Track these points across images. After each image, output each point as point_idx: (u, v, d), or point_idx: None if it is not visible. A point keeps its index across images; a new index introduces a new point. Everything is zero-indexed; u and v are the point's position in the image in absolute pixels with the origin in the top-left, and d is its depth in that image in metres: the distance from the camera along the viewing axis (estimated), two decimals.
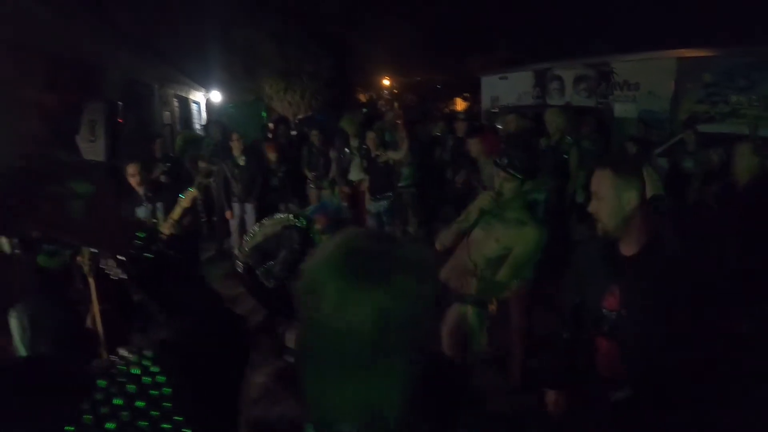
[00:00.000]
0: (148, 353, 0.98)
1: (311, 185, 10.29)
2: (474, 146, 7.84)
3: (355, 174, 9.73)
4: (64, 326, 3.38)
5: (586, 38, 25.98)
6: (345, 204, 9.06)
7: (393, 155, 8.72)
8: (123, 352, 0.99)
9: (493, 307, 4.09)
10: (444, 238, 4.13)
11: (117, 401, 0.90)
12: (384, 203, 8.25)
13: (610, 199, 2.51)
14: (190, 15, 22.47)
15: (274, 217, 4.95)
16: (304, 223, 4.78)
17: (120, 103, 6.17)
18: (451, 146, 10.02)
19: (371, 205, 8.57)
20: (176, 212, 5.39)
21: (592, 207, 2.64)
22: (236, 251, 5.09)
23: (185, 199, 5.46)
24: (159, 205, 5.64)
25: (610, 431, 2.49)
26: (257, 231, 4.89)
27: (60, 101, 8.37)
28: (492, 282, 3.97)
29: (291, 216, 4.86)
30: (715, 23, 20.28)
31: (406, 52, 32.98)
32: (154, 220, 5.48)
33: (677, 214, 7.74)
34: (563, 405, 2.79)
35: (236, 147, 8.75)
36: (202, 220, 8.55)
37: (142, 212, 5.54)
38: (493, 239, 3.94)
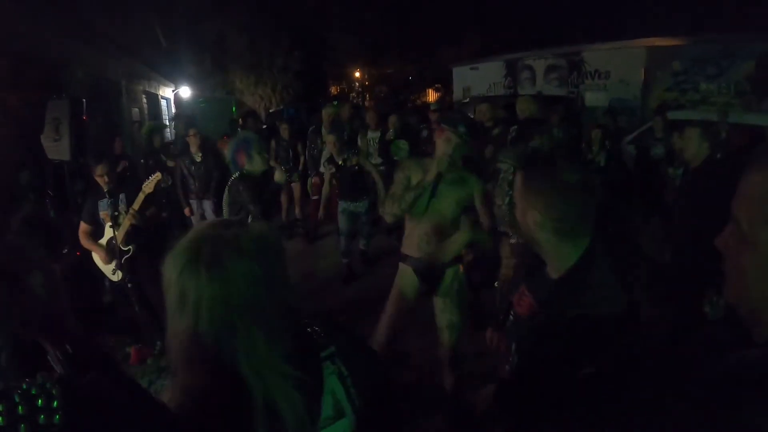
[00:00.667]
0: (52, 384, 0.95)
1: None
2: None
3: (324, 167, 9.65)
4: None
5: (556, 28, 26.07)
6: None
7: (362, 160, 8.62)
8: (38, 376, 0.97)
9: (468, 257, 4.17)
10: (394, 208, 4.00)
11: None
12: (363, 204, 8.07)
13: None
14: (158, 8, 22.18)
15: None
16: (236, 175, 5.05)
17: (84, 100, 6.07)
18: (426, 137, 9.97)
19: (347, 205, 8.24)
20: (139, 200, 5.33)
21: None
22: None
23: (149, 183, 5.38)
24: (122, 197, 5.52)
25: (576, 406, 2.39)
26: (224, 214, 5.18)
27: (22, 100, 8.21)
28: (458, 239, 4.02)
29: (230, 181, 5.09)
30: (684, 12, 20.44)
31: (377, 43, 32.90)
32: (116, 213, 5.37)
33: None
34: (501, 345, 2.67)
35: (193, 143, 8.53)
36: (164, 214, 8.42)
37: (104, 206, 5.40)
38: (453, 200, 4.02)
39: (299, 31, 30.23)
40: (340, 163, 7.71)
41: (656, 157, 8.58)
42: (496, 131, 8.28)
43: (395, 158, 8.96)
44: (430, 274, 4.22)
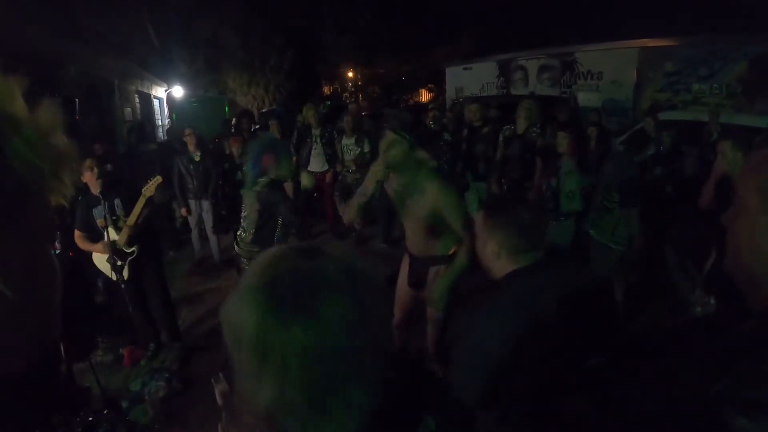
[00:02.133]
0: None
1: None
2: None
3: (317, 164, 9.60)
4: None
5: (549, 29, 26.12)
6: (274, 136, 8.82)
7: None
8: None
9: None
10: (350, 213, 4.15)
11: None
12: None
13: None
14: (150, 8, 22.14)
15: (246, 199, 5.03)
16: (264, 179, 4.80)
17: (77, 99, 6.04)
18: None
19: None
20: (140, 203, 5.31)
21: None
22: (237, 250, 5.10)
23: (149, 186, 5.37)
24: (117, 202, 5.46)
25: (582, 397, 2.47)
26: (246, 221, 4.98)
27: None
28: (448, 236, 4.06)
29: (250, 185, 4.90)
30: (677, 13, 20.51)
31: (370, 43, 32.87)
32: (115, 217, 5.35)
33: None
34: None
35: (191, 142, 8.53)
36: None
37: (99, 213, 5.32)
38: (419, 207, 3.95)
39: (292, 30, 30.19)
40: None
41: (646, 159, 8.61)
42: (485, 130, 8.35)
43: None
44: (418, 269, 4.34)
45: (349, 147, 9.39)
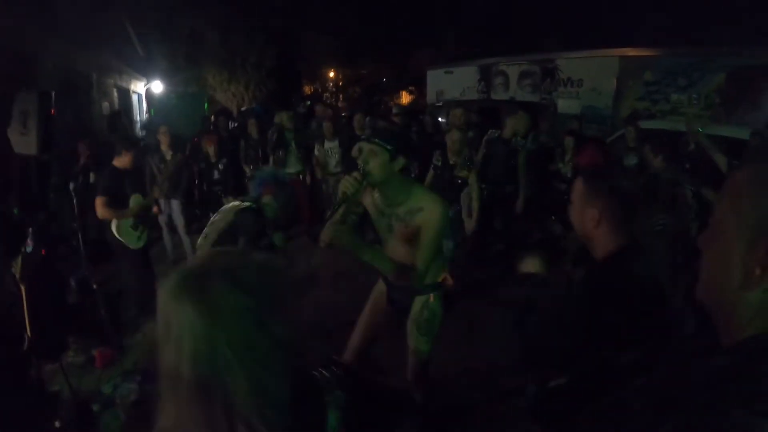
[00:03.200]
0: None
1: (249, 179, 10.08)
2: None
3: (293, 166, 9.55)
4: None
5: (531, 35, 26.29)
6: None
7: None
8: None
9: (449, 282, 3.98)
10: (325, 234, 3.40)
11: None
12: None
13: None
14: (130, 1, 21.92)
15: (225, 207, 4.85)
16: (253, 204, 4.67)
17: (53, 93, 5.95)
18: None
19: None
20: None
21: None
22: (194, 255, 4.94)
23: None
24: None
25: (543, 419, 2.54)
26: (212, 227, 4.78)
27: None
28: (425, 264, 3.54)
29: (240, 201, 4.74)
30: (657, 23, 20.74)
31: (352, 44, 32.85)
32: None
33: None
34: None
35: (163, 140, 8.43)
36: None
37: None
38: (407, 225, 3.48)
39: (273, 29, 30.05)
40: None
41: (629, 167, 8.64)
42: (469, 135, 8.35)
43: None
44: (398, 299, 4.02)
45: (333, 150, 9.35)
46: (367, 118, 10.00)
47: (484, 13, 28.99)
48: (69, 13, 13.87)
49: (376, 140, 3.33)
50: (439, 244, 3.64)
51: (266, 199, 4.65)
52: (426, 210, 3.37)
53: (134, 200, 6.18)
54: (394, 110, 9.90)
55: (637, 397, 1.23)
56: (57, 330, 5.57)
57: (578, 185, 2.55)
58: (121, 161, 6.24)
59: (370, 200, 3.72)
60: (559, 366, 2.48)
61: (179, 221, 8.54)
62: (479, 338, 5.89)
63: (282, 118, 9.77)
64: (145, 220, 6.26)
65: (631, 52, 16.15)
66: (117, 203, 6.06)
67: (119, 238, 6.13)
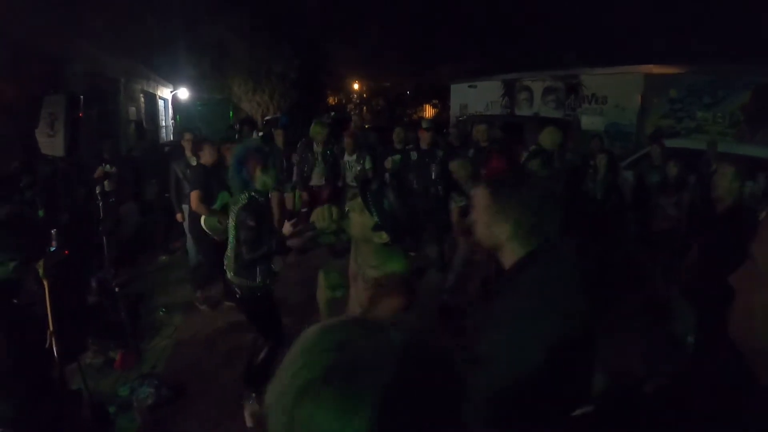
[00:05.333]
0: None
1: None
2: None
3: (316, 178, 9.54)
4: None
5: (556, 51, 26.23)
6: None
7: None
8: None
9: None
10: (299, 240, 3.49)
11: None
12: None
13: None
14: (158, 9, 22.17)
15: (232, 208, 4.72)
16: (242, 195, 4.46)
17: (81, 96, 6.03)
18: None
19: None
20: None
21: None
22: (228, 275, 4.81)
23: None
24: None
25: None
26: (229, 243, 4.71)
27: (20, 94, 8.15)
28: None
29: (234, 201, 4.61)
30: (682, 41, 20.60)
31: (376, 56, 32.95)
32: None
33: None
34: None
35: (187, 147, 8.45)
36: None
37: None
38: (368, 290, 2.95)
39: (299, 40, 30.23)
40: None
41: (653, 184, 8.57)
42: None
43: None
44: None
45: (350, 164, 9.37)
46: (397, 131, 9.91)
47: (508, 27, 28.97)
48: (99, 20, 14.06)
49: (371, 202, 2.77)
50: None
51: (255, 176, 4.48)
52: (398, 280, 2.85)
53: (220, 198, 6.56)
54: (424, 124, 9.77)
55: None
56: (77, 330, 5.61)
57: (482, 197, 2.30)
58: (207, 159, 6.77)
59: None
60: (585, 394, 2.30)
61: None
62: None
63: (314, 131, 9.75)
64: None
65: (656, 69, 16.03)
66: (207, 199, 6.49)
67: (207, 231, 6.47)
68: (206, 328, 6.64)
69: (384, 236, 2.74)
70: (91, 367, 5.46)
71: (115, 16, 16.27)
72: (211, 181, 6.61)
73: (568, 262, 2.21)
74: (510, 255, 2.24)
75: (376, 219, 2.71)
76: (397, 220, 2.73)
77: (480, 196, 2.30)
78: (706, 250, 5.11)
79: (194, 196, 6.49)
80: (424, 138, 9.24)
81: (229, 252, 4.62)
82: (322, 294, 2.99)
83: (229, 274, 4.64)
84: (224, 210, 6.26)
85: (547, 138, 7.48)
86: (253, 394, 2.17)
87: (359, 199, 2.80)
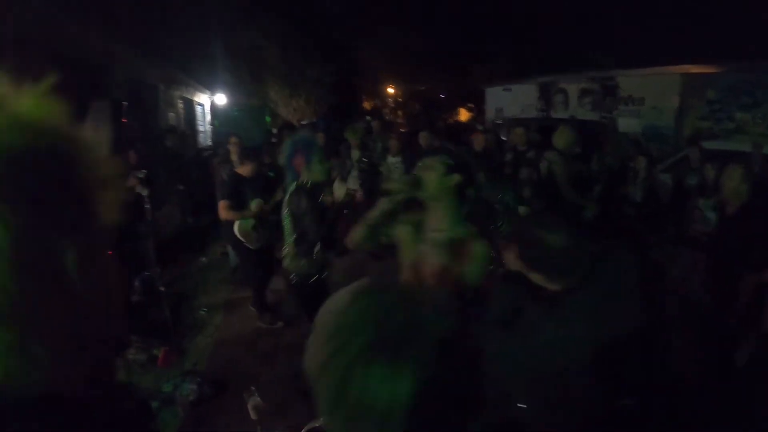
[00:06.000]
0: None
1: None
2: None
3: (351, 183, 9.59)
4: None
5: (591, 52, 26.00)
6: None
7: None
8: None
9: None
10: (354, 237, 3.26)
11: None
12: None
13: None
14: (195, 16, 22.46)
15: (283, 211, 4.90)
16: (291, 186, 4.67)
17: (125, 103, 6.19)
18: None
19: None
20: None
21: None
22: (286, 264, 4.99)
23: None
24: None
25: None
26: (285, 232, 4.86)
27: (64, 100, 8.33)
28: None
29: (286, 193, 4.80)
30: (720, 40, 20.27)
31: (411, 60, 33.00)
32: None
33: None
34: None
35: (233, 150, 8.60)
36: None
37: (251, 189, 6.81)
38: (435, 255, 3.05)
39: (333, 44, 30.40)
40: None
41: (690, 188, 8.48)
42: (530, 155, 8.29)
43: None
44: None
45: (395, 165, 9.41)
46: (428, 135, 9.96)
47: (543, 29, 28.82)
48: (138, 27, 14.31)
49: (439, 155, 3.10)
50: (473, 282, 3.10)
51: (302, 169, 4.65)
52: (468, 242, 3.03)
53: (255, 204, 6.73)
54: (479, 127, 9.69)
55: None
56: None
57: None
58: (244, 169, 6.96)
59: (404, 229, 3.26)
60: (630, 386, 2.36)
61: None
62: None
63: (350, 136, 9.83)
64: (265, 223, 6.77)
65: (693, 69, 15.76)
66: (238, 206, 6.65)
67: (240, 238, 6.71)
68: (247, 328, 6.76)
69: (456, 177, 2.97)
70: (135, 364, 5.59)
71: (153, 24, 16.53)
72: (244, 189, 6.81)
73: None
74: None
75: (447, 162, 2.98)
76: (463, 162, 3.06)
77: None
78: (721, 251, 5.08)
79: (222, 205, 6.69)
80: (478, 140, 9.31)
81: (287, 241, 4.81)
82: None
83: (286, 262, 4.84)
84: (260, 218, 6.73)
85: (561, 139, 7.44)
86: (253, 388, 2.28)
87: (428, 159, 3.05)
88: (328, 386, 1.02)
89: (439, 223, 3.05)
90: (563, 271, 2.32)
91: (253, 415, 2.18)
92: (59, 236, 0.76)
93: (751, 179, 4.91)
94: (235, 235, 6.76)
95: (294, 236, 4.71)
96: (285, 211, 4.75)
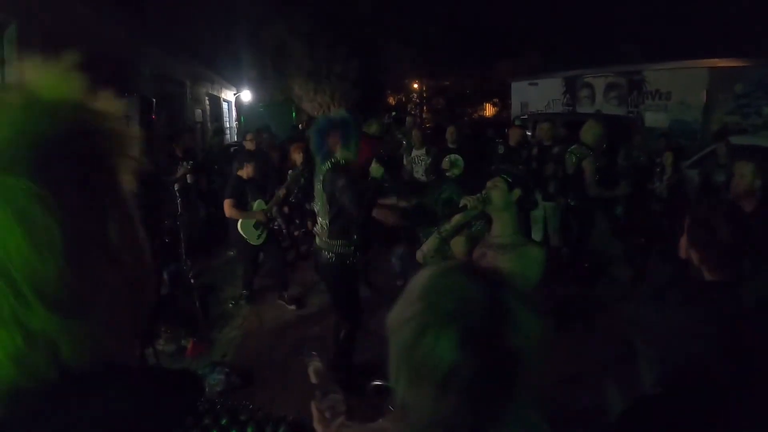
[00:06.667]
0: None
1: None
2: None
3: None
4: None
5: (617, 46, 25.74)
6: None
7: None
8: None
9: None
10: (426, 249, 3.50)
11: None
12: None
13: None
14: (221, 13, 22.59)
15: (315, 192, 4.91)
16: (325, 165, 4.66)
17: (154, 99, 6.29)
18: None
19: None
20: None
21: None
22: (317, 243, 5.00)
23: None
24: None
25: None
26: (320, 212, 4.86)
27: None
28: None
29: (319, 172, 4.79)
30: (748, 34, 19.98)
31: (435, 55, 32.88)
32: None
33: None
34: None
35: (250, 147, 8.77)
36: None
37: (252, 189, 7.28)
38: (498, 259, 3.31)
39: (358, 40, 30.42)
40: None
41: (719, 184, 8.38)
42: (555, 150, 8.24)
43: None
44: None
45: (419, 158, 9.43)
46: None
47: (569, 23, 28.59)
48: (165, 25, 14.44)
49: (501, 174, 3.41)
50: (530, 283, 3.30)
51: (337, 148, 4.64)
52: (528, 246, 3.35)
53: (257, 205, 7.19)
54: (516, 122, 9.72)
55: None
56: (151, 318, 5.85)
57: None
58: (244, 172, 7.27)
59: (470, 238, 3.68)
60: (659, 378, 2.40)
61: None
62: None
63: (371, 127, 9.85)
64: (265, 221, 7.18)
65: (721, 63, 15.59)
66: (241, 206, 7.06)
67: (243, 234, 7.05)
68: (274, 321, 6.84)
69: (517, 192, 3.31)
70: (163, 354, 5.69)
71: (180, 20, 16.65)
72: (246, 189, 7.23)
73: None
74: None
75: (509, 180, 3.30)
76: (525, 181, 3.40)
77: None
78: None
79: (227, 203, 7.05)
80: (515, 135, 9.34)
81: (321, 221, 4.82)
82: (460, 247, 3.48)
83: (321, 240, 4.84)
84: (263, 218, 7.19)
85: (589, 133, 7.39)
86: (314, 353, 2.36)
87: (497, 178, 3.36)
88: (400, 344, 1.14)
89: (502, 231, 3.37)
90: (729, 263, 2.37)
91: (313, 379, 2.24)
92: (102, 212, 0.78)
93: (763, 175, 4.78)
94: (238, 234, 7.13)
95: (329, 216, 4.68)
96: (318, 190, 4.75)
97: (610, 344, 5.06)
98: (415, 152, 9.54)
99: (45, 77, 0.80)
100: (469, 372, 1.07)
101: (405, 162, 9.59)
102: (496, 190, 3.33)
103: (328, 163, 4.60)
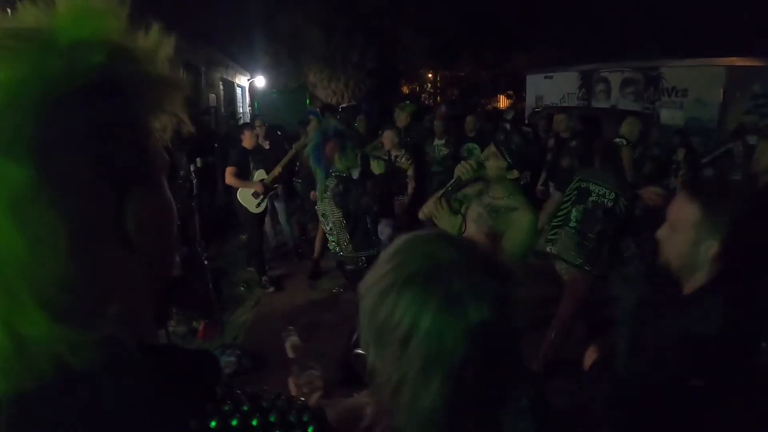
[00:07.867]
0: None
1: None
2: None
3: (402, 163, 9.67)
4: None
5: (634, 41, 25.55)
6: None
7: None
8: None
9: None
10: (427, 207, 3.55)
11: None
12: None
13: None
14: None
15: (323, 208, 4.95)
16: (329, 180, 4.72)
17: None
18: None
19: None
20: (286, 158, 7.72)
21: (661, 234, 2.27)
22: (341, 255, 5.03)
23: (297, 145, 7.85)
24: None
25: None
26: (336, 229, 4.90)
27: None
28: None
29: (322, 190, 4.84)
30: (766, 33, 19.80)
31: (451, 46, 32.75)
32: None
33: None
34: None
35: (260, 133, 8.85)
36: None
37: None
38: (493, 215, 3.49)
39: (374, 29, 30.34)
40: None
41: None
42: (573, 143, 8.21)
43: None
44: None
45: (438, 148, 9.45)
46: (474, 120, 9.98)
47: (586, 17, 28.41)
48: (181, 10, 14.46)
49: (503, 148, 3.40)
50: (517, 250, 3.47)
51: (335, 157, 4.69)
52: (519, 211, 3.40)
53: (257, 174, 7.48)
54: (507, 115, 9.71)
55: None
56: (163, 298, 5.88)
57: (692, 210, 2.05)
58: (246, 141, 7.58)
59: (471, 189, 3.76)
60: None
61: (280, 210, 8.82)
62: None
63: (399, 116, 9.84)
64: (265, 190, 7.46)
65: (739, 61, 15.45)
66: (243, 175, 7.38)
67: (242, 203, 7.39)
68: (286, 305, 6.89)
69: (515, 173, 3.39)
70: (175, 335, 5.73)
71: (196, 5, 16.68)
72: (248, 160, 7.54)
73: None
74: (700, 278, 2.08)
75: (508, 160, 3.33)
76: (522, 158, 3.43)
77: (687, 210, 2.07)
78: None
79: (229, 171, 7.35)
80: (542, 125, 9.36)
81: (339, 234, 4.83)
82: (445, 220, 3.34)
83: (346, 252, 4.86)
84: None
85: (627, 128, 7.35)
86: (291, 328, 2.40)
87: (493, 148, 3.42)
88: (367, 306, 1.12)
89: (496, 193, 3.49)
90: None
91: (290, 354, 2.25)
92: (120, 196, 0.69)
93: None
94: (238, 200, 7.48)
95: (348, 229, 4.74)
96: (326, 210, 4.81)
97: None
98: (436, 142, 9.57)
99: (62, 12, 0.69)
100: (424, 332, 1.04)
101: (427, 149, 9.61)
102: (491, 160, 3.41)
103: (332, 178, 4.67)
